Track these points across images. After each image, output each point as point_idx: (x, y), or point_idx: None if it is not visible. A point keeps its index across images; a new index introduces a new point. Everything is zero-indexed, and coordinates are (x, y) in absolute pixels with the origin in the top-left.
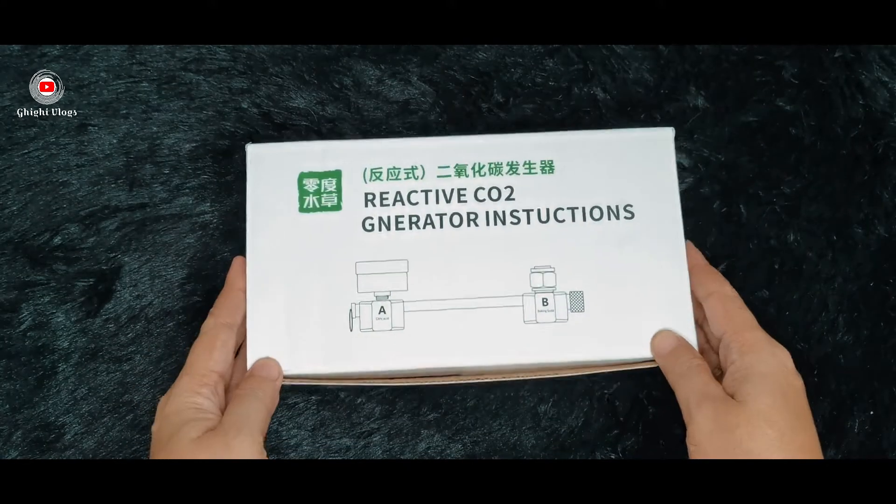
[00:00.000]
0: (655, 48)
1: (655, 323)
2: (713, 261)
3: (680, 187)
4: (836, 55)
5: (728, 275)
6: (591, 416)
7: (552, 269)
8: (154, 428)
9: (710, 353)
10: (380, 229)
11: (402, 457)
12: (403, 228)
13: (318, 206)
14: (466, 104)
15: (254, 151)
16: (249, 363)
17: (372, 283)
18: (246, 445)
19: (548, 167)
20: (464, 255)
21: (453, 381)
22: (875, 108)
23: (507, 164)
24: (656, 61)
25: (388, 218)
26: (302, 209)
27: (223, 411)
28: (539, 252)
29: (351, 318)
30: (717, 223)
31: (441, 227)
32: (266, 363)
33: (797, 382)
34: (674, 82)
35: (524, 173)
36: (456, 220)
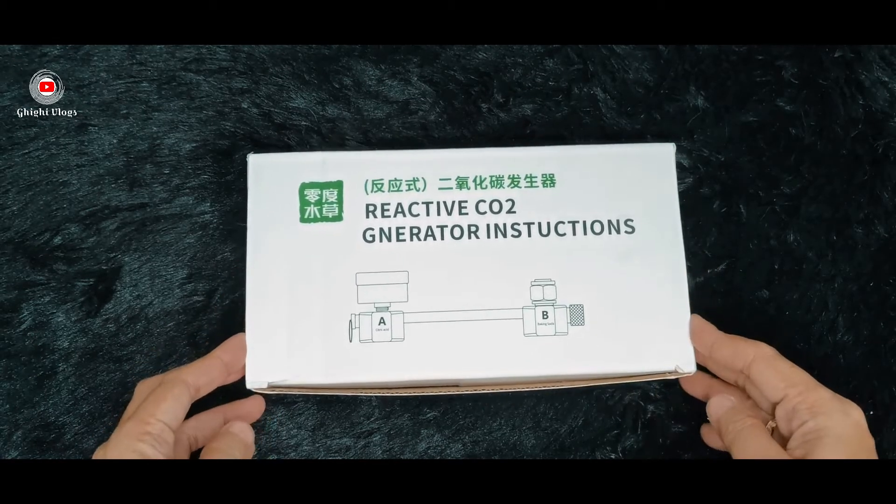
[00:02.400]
0: (655, 48)
1: (654, 337)
2: (713, 261)
3: (680, 187)
4: (836, 55)
5: (728, 275)
6: (591, 415)
7: (552, 283)
8: None
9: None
10: (381, 240)
11: (402, 457)
12: (404, 240)
13: (319, 216)
14: (466, 104)
15: (255, 161)
16: (248, 374)
17: (372, 295)
18: None
19: (549, 181)
20: (464, 268)
21: (451, 391)
22: (875, 108)
23: (509, 178)
24: (656, 61)
25: (389, 229)
26: (303, 220)
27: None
28: (539, 265)
29: (351, 328)
30: (717, 223)
31: (442, 238)
32: (245, 429)
33: (870, 442)
34: (674, 82)
35: (525, 186)
36: (457, 232)
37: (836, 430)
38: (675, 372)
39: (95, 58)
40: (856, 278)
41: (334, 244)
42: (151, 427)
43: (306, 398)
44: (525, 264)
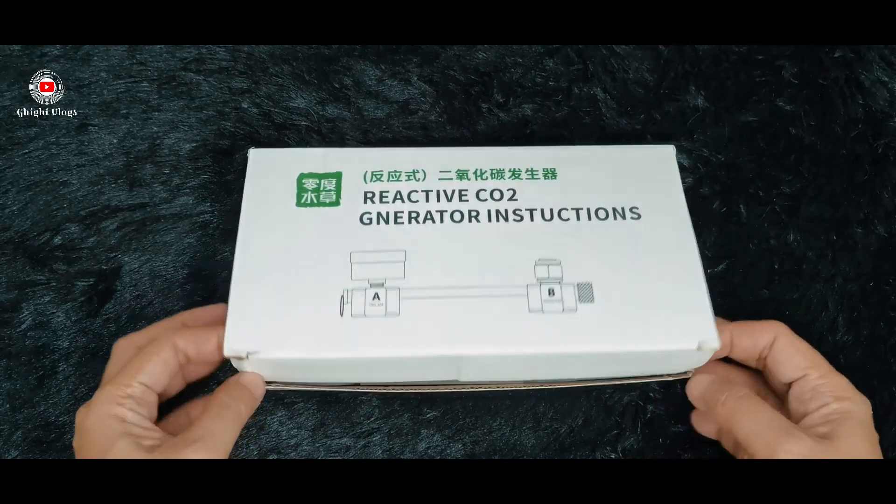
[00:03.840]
0: (655, 48)
1: (672, 315)
2: (713, 261)
3: None
4: (836, 55)
5: (728, 274)
6: (591, 415)
7: (558, 262)
8: (75, 444)
9: (772, 396)
10: (378, 223)
11: (402, 457)
12: (402, 223)
13: (315, 201)
14: (466, 104)
15: (255, 155)
16: (227, 340)
17: (366, 272)
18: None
19: (550, 174)
20: (464, 247)
21: (451, 389)
22: (875, 108)
23: (510, 171)
24: (656, 61)
25: (388, 213)
26: (299, 204)
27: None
28: (544, 246)
29: (342, 303)
30: (717, 223)
31: (441, 222)
32: (254, 378)
33: (876, 434)
34: (674, 82)
35: (527, 178)
36: (457, 216)
37: (859, 415)
38: (698, 350)
39: (95, 58)
40: (856, 278)
41: (329, 226)
42: (132, 390)
43: (306, 398)
44: (528, 245)
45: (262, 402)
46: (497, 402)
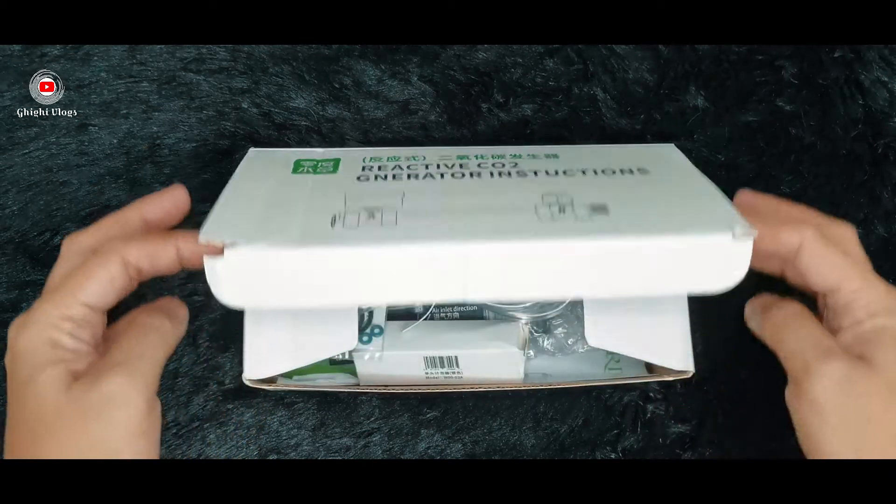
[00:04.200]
0: (655, 48)
1: (696, 218)
2: None
3: None
4: (836, 55)
5: None
6: (591, 415)
7: (567, 193)
8: (7, 361)
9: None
10: (375, 180)
11: (402, 457)
12: (401, 180)
13: (312, 172)
14: (466, 104)
15: (253, 154)
16: (206, 226)
17: (361, 202)
18: (126, 390)
19: (552, 155)
20: (466, 193)
21: (450, 390)
22: (875, 108)
23: (511, 155)
24: (656, 61)
25: (386, 175)
26: (294, 172)
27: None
28: (551, 185)
29: (334, 220)
30: None
31: (442, 178)
32: (165, 323)
33: None
34: (674, 82)
35: (528, 158)
36: (458, 175)
37: (895, 329)
38: (734, 240)
39: (95, 58)
40: None
41: (325, 184)
42: (73, 311)
43: (306, 398)
44: (534, 184)
45: (262, 402)
46: (497, 402)
